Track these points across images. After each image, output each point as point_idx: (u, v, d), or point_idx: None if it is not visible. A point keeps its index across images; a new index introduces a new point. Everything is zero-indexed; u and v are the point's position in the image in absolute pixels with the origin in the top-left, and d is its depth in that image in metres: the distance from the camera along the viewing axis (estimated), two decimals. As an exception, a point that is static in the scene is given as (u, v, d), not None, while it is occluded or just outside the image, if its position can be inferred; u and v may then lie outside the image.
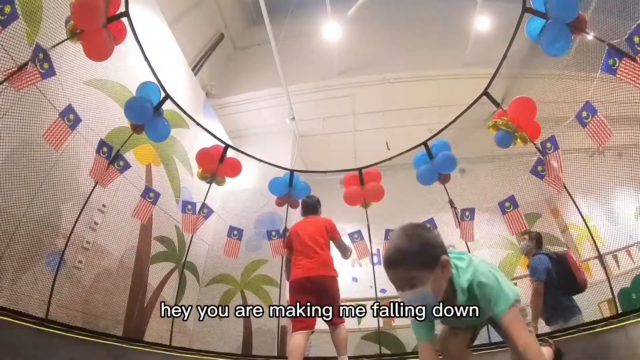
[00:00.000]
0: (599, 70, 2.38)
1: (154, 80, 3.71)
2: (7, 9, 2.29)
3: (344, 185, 4.68)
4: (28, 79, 2.61)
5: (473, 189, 4.43)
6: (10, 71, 2.55)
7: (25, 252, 2.83)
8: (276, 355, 4.20)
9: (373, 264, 4.78)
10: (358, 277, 5.82)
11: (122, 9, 3.18)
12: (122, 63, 3.87)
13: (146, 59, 3.66)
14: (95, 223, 3.57)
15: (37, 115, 2.92)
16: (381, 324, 4.43)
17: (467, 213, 4.20)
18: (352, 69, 6.10)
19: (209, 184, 4.18)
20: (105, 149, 3.39)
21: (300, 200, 4.64)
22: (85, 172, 3.30)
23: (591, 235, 3.08)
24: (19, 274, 2.77)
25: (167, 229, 4.33)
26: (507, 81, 4.67)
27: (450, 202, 4.56)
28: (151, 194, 3.76)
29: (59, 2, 2.98)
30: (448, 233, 4.73)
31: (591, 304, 3.47)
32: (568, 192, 3.12)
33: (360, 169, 4.60)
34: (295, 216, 4.72)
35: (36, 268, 2.89)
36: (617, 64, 2.21)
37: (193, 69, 5.67)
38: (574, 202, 3.15)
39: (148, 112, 3.52)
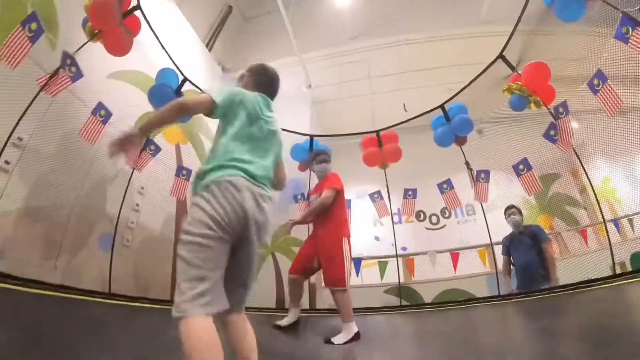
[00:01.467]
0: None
1: (171, 65, 3.85)
2: (34, 25, 2.40)
3: (362, 147, 4.74)
4: (61, 85, 2.80)
5: (490, 150, 4.39)
6: (44, 80, 2.73)
7: (81, 237, 3.20)
8: (308, 308, 4.60)
9: (393, 222, 4.95)
10: (380, 236, 6.06)
11: (133, 2, 3.24)
12: (140, 52, 3.93)
13: (163, 47, 3.75)
14: (137, 204, 3.90)
15: (71, 114, 3.14)
16: (402, 279, 4.70)
17: (482, 175, 4.24)
18: (366, 33, 5.87)
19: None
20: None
21: None
22: (122, 161, 3.56)
23: (597, 200, 3.09)
24: (77, 257, 3.15)
25: None
26: (524, 40, 4.41)
27: (467, 163, 4.58)
28: (184, 172, 4.02)
29: (72, 4, 3.04)
30: (464, 194, 4.80)
31: (605, 267, 3.56)
32: (578, 156, 3.10)
33: (377, 132, 4.65)
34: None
35: (91, 250, 3.26)
36: (630, 33, 2.10)
37: (207, 45, 5.66)
38: (583, 168, 3.14)
39: (170, 97, 3.67)
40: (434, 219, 6.20)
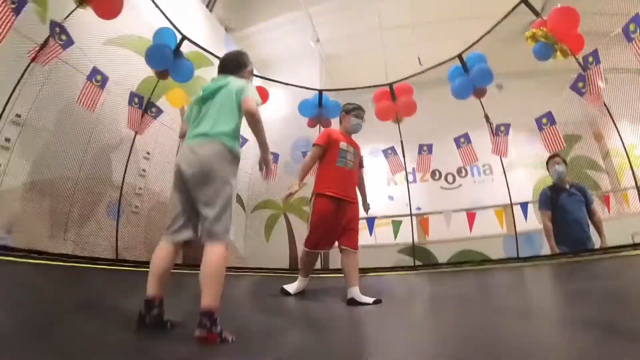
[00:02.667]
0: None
1: (169, 26, 3.58)
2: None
3: (374, 101, 4.47)
4: (51, 54, 2.62)
5: (510, 106, 4.04)
6: (34, 51, 2.55)
7: (88, 207, 3.14)
8: (320, 268, 4.57)
9: (408, 181, 4.74)
10: (394, 195, 5.87)
11: None
12: (136, 15, 3.67)
13: (156, 5, 3.47)
14: (144, 170, 3.80)
15: (68, 84, 2.97)
16: (415, 239, 4.57)
17: (502, 128, 3.91)
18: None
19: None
20: (136, 100, 3.46)
21: (331, 120, 4.60)
22: (125, 126, 3.42)
23: (630, 165, 2.80)
24: (86, 226, 3.11)
25: None
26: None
27: (486, 116, 4.26)
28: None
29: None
30: (482, 149, 4.52)
31: (626, 235, 3.35)
32: (609, 112, 2.77)
33: (391, 84, 4.36)
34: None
35: (99, 218, 3.21)
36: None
37: (207, 6, 5.29)
38: (615, 126, 2.81)
39: (168, 57, 3.47)
40: (450, 178, 5.94)
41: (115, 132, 3.47)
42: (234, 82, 1.65)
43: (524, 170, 5.20)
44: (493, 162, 5.68)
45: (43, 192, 2.79)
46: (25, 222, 2.64)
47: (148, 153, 3.87)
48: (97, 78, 3.02)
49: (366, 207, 2.72)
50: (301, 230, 4.85)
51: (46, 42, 2.62)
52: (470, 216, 4.67)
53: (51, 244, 2.76)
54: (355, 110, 2.75)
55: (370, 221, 4.69)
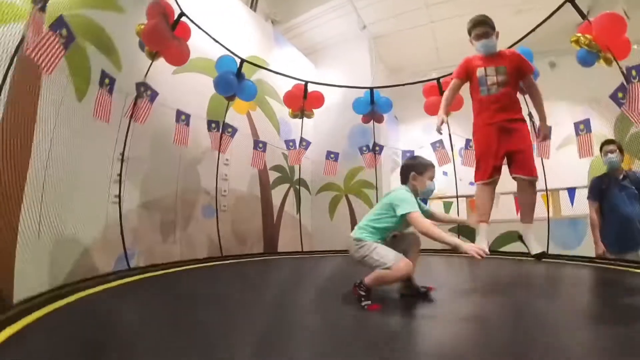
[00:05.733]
0: None
1: (226, 50, 3.98)
2: (64, 32, 2.36)
3: (424, 95, 4.63)
4: (144, 111, 3.19)
5: (565, 83, 3.87)
6: (130, 110, 3.15)
7: (188, 213, 3.96)
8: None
9: (455, 169, 4.84)
10: (448, 171, 5.97)
11: (176, 9, 3.35)
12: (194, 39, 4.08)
13: (216, 40, 3.87)
14: (225, 175, 4.55)
15: (152, 118, 3.39)
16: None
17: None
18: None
19: (301, 119, 4.67)
20: (213, 125, 4.06)
21: (384, 115, 4.86)
22: (207, 145, 4.11)
23: None
24: (189, 229, 3.96)
25: (277, 158, 5.01)
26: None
27: (529, 114, 4.14)
28: (260, 145, 4.47)
29: (126, 29, 3.24)
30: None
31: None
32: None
33: (438, 79, 4.43)
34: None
35: (198, 221, 4.03)
36: None
37: (250, 6, 5.55)
38: None
39: (233, 83, 3.93)
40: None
41: (198, 147, 4.09)
42: (389, 197, 1.99)
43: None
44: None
45: (153, 208, 3.55)
46: (144, 234, 3.50)
47: (227, 159, 4.60)
48: (182, 118, 3.67)
49: (543, 131, 2.53)
50: (360, 210, 5.37)
51: (136, 101, 3.15)
52: (517, 198, 4.71)
53: (165, 247, 3.68)
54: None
55: (423, 201, 4.97)
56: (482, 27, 2.43)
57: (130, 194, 3.35)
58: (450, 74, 4.12)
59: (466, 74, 2.55)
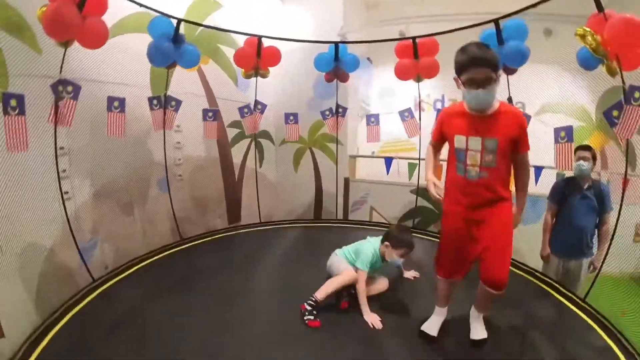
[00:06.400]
0: None
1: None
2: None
3: (396, 55, 4.14)
4: (69, 112, 2.86)
5: (561, 53, 3.42)
6: (52, 116, 2.79)
7: (144, 190, 3.96)
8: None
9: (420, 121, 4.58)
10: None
11: None
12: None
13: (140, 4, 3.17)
14: (178, 142, 4.33)
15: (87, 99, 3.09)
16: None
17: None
18: None
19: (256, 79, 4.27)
20: (155, 102, 3.66)
21: (349, 74, 4.39)
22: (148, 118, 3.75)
23: None
24: (148, 205, 4.00)
25: (234, 113, 4.72)
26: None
27: (509, 99, 3.77)
28: (210, 114, 4.14)
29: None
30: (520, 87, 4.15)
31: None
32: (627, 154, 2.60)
33: (414, 38, 3.91)
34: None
35: (156, 195, 4.04)
36: None
37: None
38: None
39: (169, 51, 3.40)
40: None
41: (143, 120, 3.80)
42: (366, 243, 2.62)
43: (554, 118, 4.65)
44: (529, 100, 5.03)
45: (106, 194, 3.58)
46: (102, 222, 3.56)
47: (178, 126, 4.28)
48: (115, 105, 3.25)
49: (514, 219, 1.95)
50: (325, 165, 5.35)
51: (57, 104, 2.78)
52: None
53: (125, 229, 3.77)
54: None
55: (388, 161, 4.89)
56: (481, 68, 1.70)
57: (81, 185, 3.34)
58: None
59: (442, 137, 2.03)
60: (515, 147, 1.86)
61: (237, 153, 4.99)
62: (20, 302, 2.73)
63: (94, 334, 2.23)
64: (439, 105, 5.73)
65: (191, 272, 3.15)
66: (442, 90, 5.54)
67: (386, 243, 2.53)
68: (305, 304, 2.39)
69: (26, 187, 2.79)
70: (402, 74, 4.12)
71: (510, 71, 3.43)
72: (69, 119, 2.90)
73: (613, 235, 2.67)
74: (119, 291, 2.82)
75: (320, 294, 2.40)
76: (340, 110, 4.56)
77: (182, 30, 3.47)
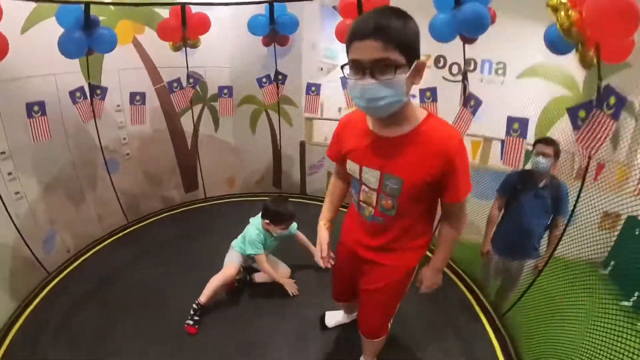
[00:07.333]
0: None
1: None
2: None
3: (340, 14, 3.78)
4: None
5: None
6: None
7: (91, 175, 4.05)
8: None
9: None
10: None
11: None
12: None
13: None
14: (120, 122, 4.25)
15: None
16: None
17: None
18: None
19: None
20: (78, 94, 3.50)
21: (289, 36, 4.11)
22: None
23: None
24: (97, 190, 4.14)
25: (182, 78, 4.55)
26: None
27: (465, 74, 3.52)
28: (137, 98, 3.99)
29: None
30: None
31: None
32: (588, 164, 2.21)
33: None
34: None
35: (104, 179, 4.15)
36: None
37: None
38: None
39: (81, 41, 3.17)
40: (455, 69, 4.98)
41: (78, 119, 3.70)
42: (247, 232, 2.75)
43: (540, 83, 4.32)
44: (511, 61, 4.62)
45: (55, 186, 3.72)
46: (56, 213, 3.76)
47: (118, 105, 4.15)
48: (35, 109, 3.13)
49: (425, 282, 1.61)
50: (284, 128, 5.25)
51: None
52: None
53: (80, 215, 3.98)
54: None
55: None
56: (369, 40, 1.05)
57: (28, 183, 3.46)
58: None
59: (340, 154, 1.48)
60: (438, 190, 1.30)
61: (188, 122, 4.88)
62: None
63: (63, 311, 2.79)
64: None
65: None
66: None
67: (266, 221, 2.59)
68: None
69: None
70: (342, 35, 3.76)
71: (467, 40, 3.16)
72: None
73: (563, 233, 2.44)
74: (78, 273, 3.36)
75: (203, 297, 2.55)
76: (280, 77, 4.35)
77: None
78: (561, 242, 2.46)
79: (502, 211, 2.95)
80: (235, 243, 2.87)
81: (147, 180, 4.70)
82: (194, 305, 2.56)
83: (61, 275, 3.35)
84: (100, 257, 3.63)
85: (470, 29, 3.00)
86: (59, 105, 3.58)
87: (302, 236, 3.04)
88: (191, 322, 2.46)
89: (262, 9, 4.02)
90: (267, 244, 2.75)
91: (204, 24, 3.86)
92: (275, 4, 3.92)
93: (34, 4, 3.15)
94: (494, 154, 4.11)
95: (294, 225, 2.88)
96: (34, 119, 3.16)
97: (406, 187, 1.27)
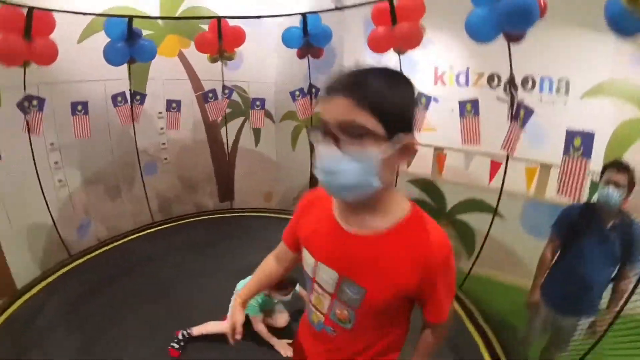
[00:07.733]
0: None
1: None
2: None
3: (373, 21, 3.57)
4: (38, 124, 3.23)
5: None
6: (25, 128, 3.20)
7: (130, 175, 4.39)
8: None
9: None
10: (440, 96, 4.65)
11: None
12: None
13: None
14: (161, 128, 4.54)
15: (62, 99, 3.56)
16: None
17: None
18: None
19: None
20: (119, 99, 3.83)
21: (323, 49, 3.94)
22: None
23: None
24: (134, 189, 4.45)
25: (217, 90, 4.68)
26: None
27: (510, 82, 2.86)
28: (174, 105, 4.22)
29: None
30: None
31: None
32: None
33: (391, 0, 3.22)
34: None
35: (137, 179, 4.46)
36: None
37: None
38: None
39: (124, 51, 3.47)
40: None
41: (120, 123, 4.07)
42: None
43: (609, 102, 3.35)
44: (575, 77, 3.68)
45: (95, 180, 4.12)
46: (93, 205, 4.14)
47: (160, 113, 4.44)
48: (79, 109, 3.51)
49: None
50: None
51: (26, 120, 3.17)
52: (494, 165, 3.77)
53: (114, 209, 4.31)
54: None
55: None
56: (337, 96, 0.77)
57: (72, 174, 3.92)
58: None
59: (294, 239, 1.16)
60: (411, 306, 1.05)
61: (229, 133, 4.99)
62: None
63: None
64: (462, 80, 4.63)
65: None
66: (466, 60, 4.42)
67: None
68: (180, 331, 2.52)
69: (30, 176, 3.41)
70: (375, 45, 3.46)
71: (513, 37, 2.60)
72: (37, 128, 3.26)
73: (636, 287, 1.97)
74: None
75: (197, 330, 2.55)
76: (313, 90, 4.15)
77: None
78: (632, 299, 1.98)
79: (557, 254, 2.37)
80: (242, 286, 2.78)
81: (182, 185, 4.91)
82: (184, 332, 2.55)
83: (80, 260, 3.63)
84: (120, 249, 3.87)
85: (514, 21, 2.46)
86: (106, 109, 3.99)
87: (304, 293, 2.82)
88: (176, 346, 2.46)
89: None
90: (267, 308, 2.64)
91: (239, 37, 3.98)
92: (309, 16, 3.85)
93: (90, 18, 3.59)
94: (553, 184, 3.26)
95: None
96: (77, 117, 3.56)
97: (368, 300, 0.95)
